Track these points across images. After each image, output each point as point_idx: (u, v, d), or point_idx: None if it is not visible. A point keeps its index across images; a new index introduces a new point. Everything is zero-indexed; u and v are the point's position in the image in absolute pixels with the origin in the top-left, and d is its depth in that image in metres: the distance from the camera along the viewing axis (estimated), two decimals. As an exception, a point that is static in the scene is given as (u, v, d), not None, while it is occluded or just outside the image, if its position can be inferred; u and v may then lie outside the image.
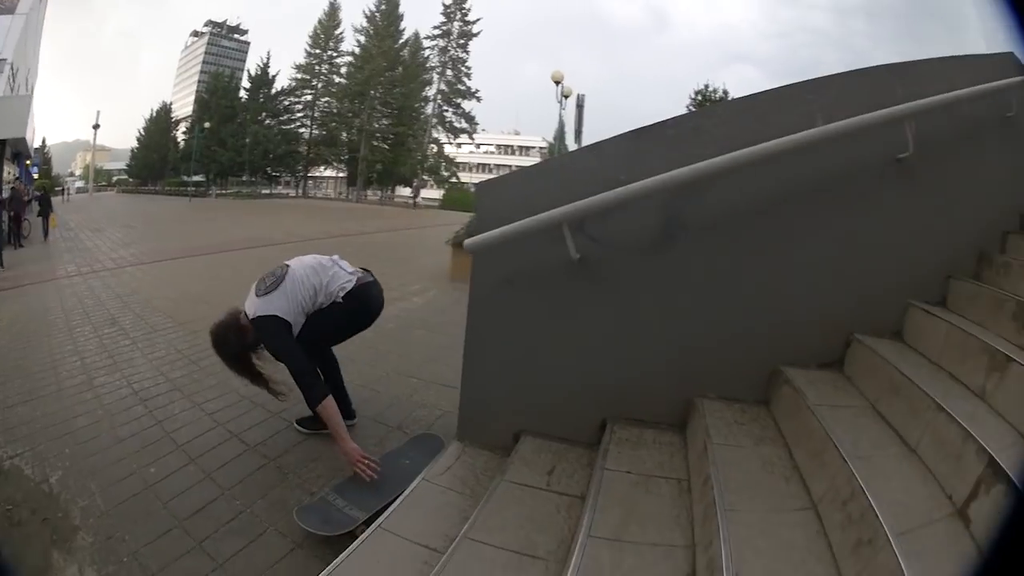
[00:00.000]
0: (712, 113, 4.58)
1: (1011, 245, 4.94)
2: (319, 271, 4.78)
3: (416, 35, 59.95)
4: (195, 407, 5.68)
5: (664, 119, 4.26)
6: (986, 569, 1.87)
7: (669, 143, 4.12)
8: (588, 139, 37.32)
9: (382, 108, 57.77)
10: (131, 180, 62.92)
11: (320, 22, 60.76)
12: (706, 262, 4.19)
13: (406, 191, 58.45)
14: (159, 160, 60.38)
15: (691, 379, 4.19)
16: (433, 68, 59.90)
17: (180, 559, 3.57)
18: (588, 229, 4.02)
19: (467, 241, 4.11)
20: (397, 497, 3.76)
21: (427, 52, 59.93)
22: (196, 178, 56.53)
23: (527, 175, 4.74)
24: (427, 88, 60.13)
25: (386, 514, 3.52)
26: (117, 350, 7.53)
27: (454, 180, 60.04)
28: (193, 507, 4.06)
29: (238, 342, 4.65)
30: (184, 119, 61.93)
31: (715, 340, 4.20)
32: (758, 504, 3.02)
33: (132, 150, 64.27)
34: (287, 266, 4.75)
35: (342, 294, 4.73)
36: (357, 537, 3.41)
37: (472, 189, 57.69)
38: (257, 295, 4.57)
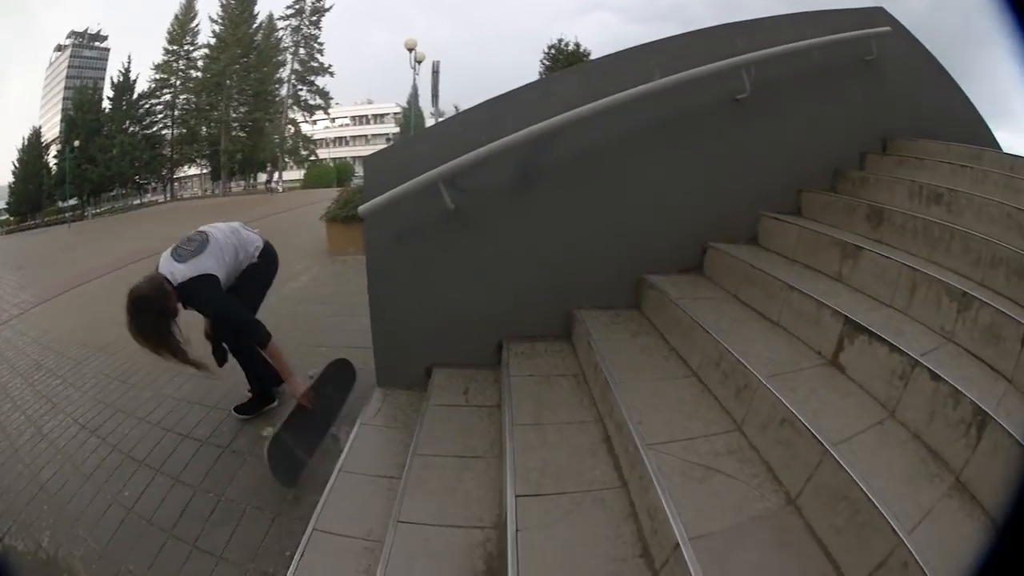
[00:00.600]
0: (561, 77, 5.36)
1: (869, 163, 6.19)
2: (234, 233, 5.11)
3: (270, 17, 58.67)
4: (141, 422, 5.92)
5: (518, 86, 5.07)
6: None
7: (523, 106, 4.86)
8: (444, 100, 37.92)
9: (238, 96, 56.43)
10: (12, 219, 59.97)
11: (177, 17, 58.98)
12: (563, 198, 5.04)
13: (266, 176, 57.58)
14: (35, 191, 57.72)
15: (568, 295, 5.08)
16: (286, 48, 58.82)
17: (184, 566, 3.93)
18: (459, 183, 4.72)
19: (361, 208, 4.77)
20: (343, 443, 4.43)
21: (280, 33, 58.91)
22: (71, 202, 54.52)
23: (406, 144, 5.46)
24: (281, 70, 59.02)
25: (341, 459, 4.09)
26: (52, 392, 7.56)
27: (313, 159, 59.48)
28: (175, 514, 4.40)
29: (161, 308, 4.57)
30: (54, 141, 59.20)
31: (583, 260, 5.10)
32: (645, 377, 3.91)
33: (9, 186, 61.33)
34: (204, 232, 4.95)
35: (257, 253, 5.17)
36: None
37: (331, 164, 55.98)
38: (180, 261, 4.66)
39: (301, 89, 59.34)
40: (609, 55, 5.28)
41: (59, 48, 62.17)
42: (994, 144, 7.17)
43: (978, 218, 4.56)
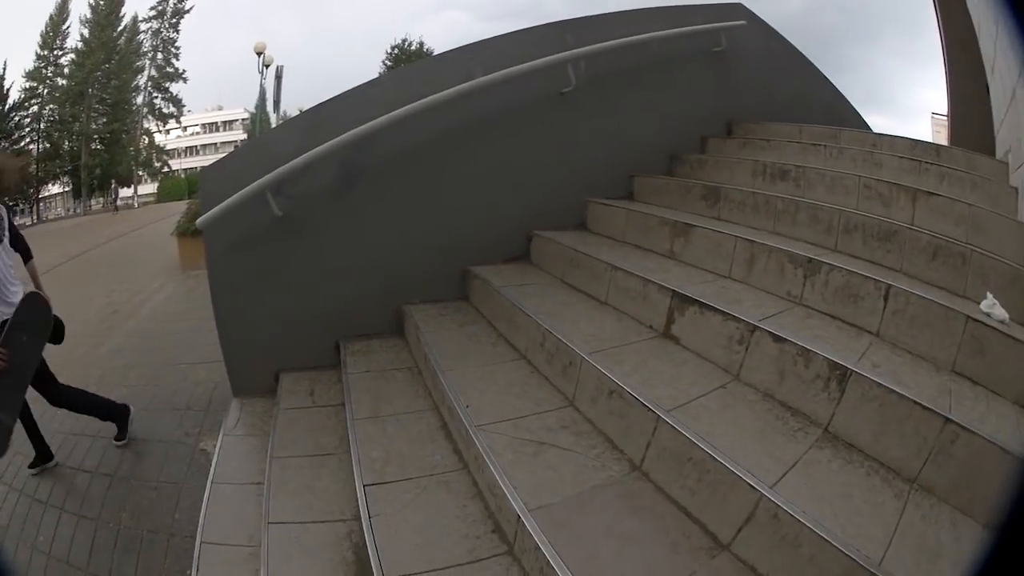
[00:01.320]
0: (380, 81, 5.69)
1: (710, 147, 6.75)
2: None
3: (135, 18, 56.98)
4: (26, 460, 5.75)
5: (339, 92, 5.42)
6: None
7: (343, 112, 5.19)
8: (292, 103, 37.89)
9: (99, 106, 54.92)
10: None
11: (51, 17, 56.61)
12: (386, 198, 5.42)
13: (126, 191, 56.21)
14: None
15: (397, 292, 5.48)
16: (145, 53, 57.43)
17: None
18: (286, 190, 5.00)
19: (199, 220, 5.02)
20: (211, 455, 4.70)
21: (141, 36, 57.44)
22: None
23: (238, 155, 5.74)
24: (139, 76, 57.68)
25: (211, 471, 4.34)
26: None
27: (166, 170, 58.33)
28: (86, 550, 4.50)
29: None
30: None
31: (409, 257, 5.49)
32: (472, 363, 4.28)
33: None
34: None
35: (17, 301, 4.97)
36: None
37: (182, 176, 54.79)
38: None
39: (156, 97, 57.56)
40: (430, 57, 5.74)
41: None
42: (862, 126, 7.93)
43: (831, 191, 5.06)
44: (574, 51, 5.69)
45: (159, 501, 4.77)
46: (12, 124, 54.25)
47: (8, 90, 54.61)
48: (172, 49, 57.51)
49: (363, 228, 5.39)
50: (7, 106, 54.32)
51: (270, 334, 5.28)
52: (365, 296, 5.43)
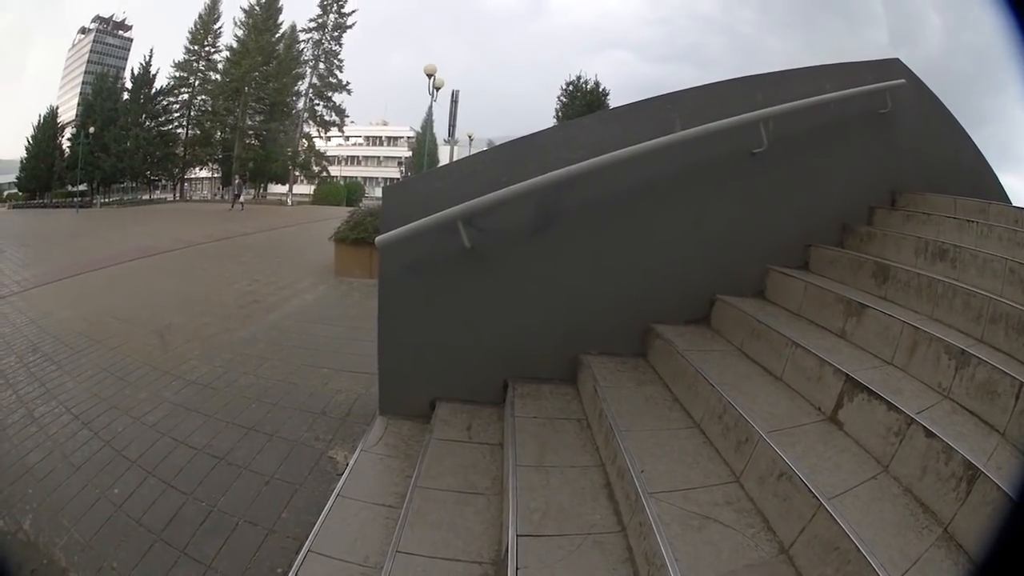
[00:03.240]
0: (580, 124, 5.34)
1: (877, 218, 6.25)
2: None
3: (293, 27, 58.12)
4: (135, 422, 5.94)
5: (537, 130, 5.20)
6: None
7: (543, 150, 4.99)
8: (459, 128, 38.11)
9: (255, 104, 55.92)
10: (21, 194, 59.22)
11: (200, 16, 58.19)
12: (579, 244, 5.14)
13: (280, 188, 57.20)
14: (46, 170, 56.80)
15: (575, 340, 5.15)
16: (306, 61, 58.43)
17: (171, 570, 3.90)
18: (476, 222, 4.77)
19: (378, 239, 4.81)
20: (341, 467, 4.58)
21: (302, 45, 58.53)
22: (81, 187, 53.97)
23: (425, 179, 5.52)
24: (300, 82, 58.60)
25: (340, 483, 4.16)
26: (47, 377, 7.53)
27: (324, 175, 59.15)
28: (166, 517, 4.39)
29: None
30: (70, 124, 58.08)
31: (592, 306, 5.20)
32: (648, 426, 3.95)
33: (21, 160, 60.29)
34: None
35: None
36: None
37: (341, 183, 55.59)
38: None
39: (318, 104, 58.73)
40: (629, 104, 5.36)
41: (83, 31, 61.14)
42: (1000, 192, 7.42)
43: (981, 274, 4.65)
44: (768, 109, 5.35)
45: (268, 496, 4.62)
46: (160, 107, 56.11)
47: (154, 76, 56.74)
48: (335, 61, 58.80)
49: (550, 271, 5.15)
50: (154, 90, 56.36)
51: (434, 360, 5.11)
52: (542, 340, 5.16)
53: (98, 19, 60.93)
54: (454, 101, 35.00)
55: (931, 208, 6.12)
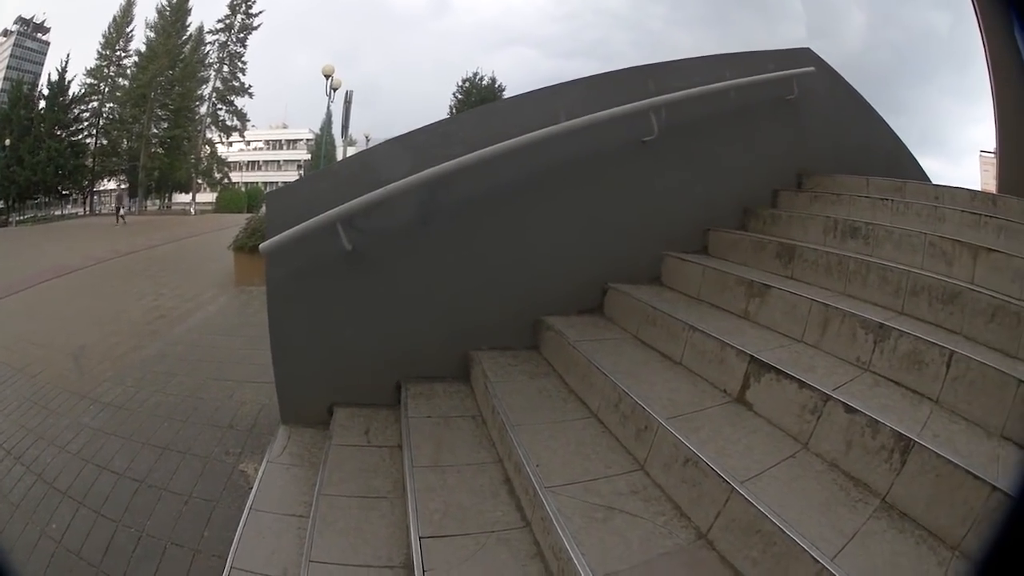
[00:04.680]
0: (461, 119, 5.44)
1: (782, 200, 6.47)
2: None
3: (200, 29, 57.14)
4: (61, 451, 5.98)
5: (416, 128, 5.20)
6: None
7: (422, 148, 4.96)
8: (358, 129, 37.92)
9: (160, 111, 54.98)
10: None
11: (114, 18, 56.83)
12: (461, 239, 5.18)
13: (183, 198, 56.33)
14: None
15: (465, 336, 5.20)
16: (211, 65, 57.47)
17: None
18: (357, 223, 4.76)
19: (261, 246, 4.79)
20: (252, 479, 4.57)
21: (207, 48, 57.52)
22: None
23: (308, 182, 5.55)
24: (203, 87, 57.62)
25: (251, 496, 4.15)
26: None
27: (226, 182, 58.36)
28: (101, 548, 4.48)
29: None
30: None
31: (480, 301, 5.24)
32: (542, 419, 4.02)
33: None
34: None
35: None
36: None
37: (243, 189, 54.74)
38: None
39: (220, 108, 57.49)
40: (511, 97, 5.47)
41: (5, 33, 59.39)
42: (920, 174, 7.63)
43: (899, 249, 4.86)
44: (659, 98, 5.45)
45: (189, 516, 4.72)
46: (71, 116, 54.65)
47: (69, 83, 55.19)
48: (239, 63, 57.32)
49: (434, 269, 5.17)
50: (69, 98, 54.93)
51: (327, 366, 5.06)
52: (431, 338, 5.18)
53: (20, 20, 58.76)
54: (347, 102, 34.92)
55: (841, 188, 6.32)
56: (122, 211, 43.24)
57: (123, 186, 56.69)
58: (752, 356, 3.81)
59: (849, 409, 3.15)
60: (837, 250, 4.98)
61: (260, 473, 4.52)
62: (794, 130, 6.81)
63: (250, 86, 57.57)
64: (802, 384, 3.45)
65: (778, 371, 3.62)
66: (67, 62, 55.07)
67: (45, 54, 57.43)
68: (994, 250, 4.40)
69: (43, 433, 6.46)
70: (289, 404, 5.14)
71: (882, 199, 5.80)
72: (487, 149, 4.85)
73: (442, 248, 5.15)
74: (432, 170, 4.73)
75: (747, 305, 4.76)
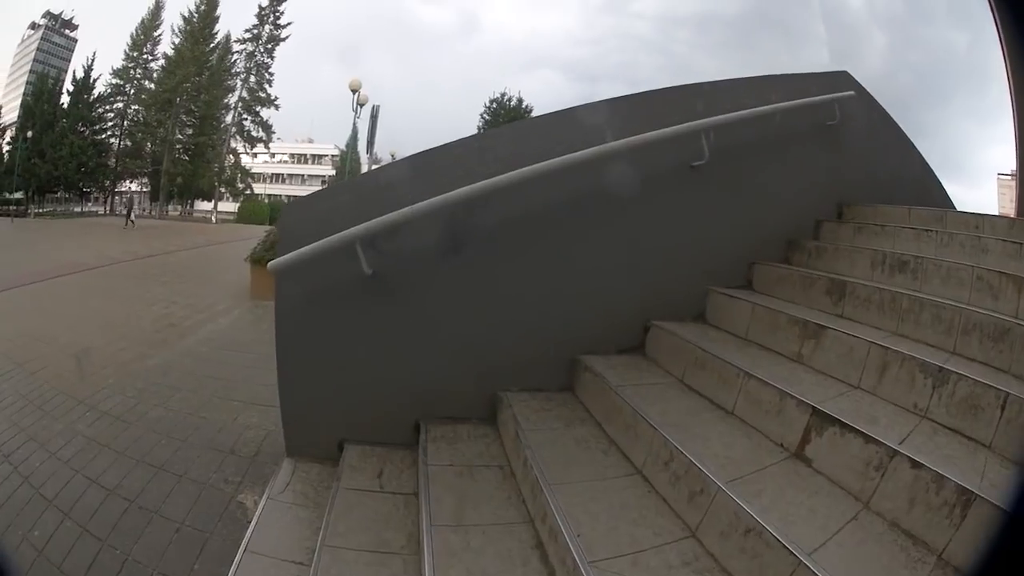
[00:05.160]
0: (498, 134, 4.97)
1: (825, 232, 5.99)
2: None
3: (228, 37, 56.94)
4: (52, 457, 5.64)
5: (450, 141, 4.72)
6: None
7: (455, 164, 4.54)
8: (384, 146, 37.61)
9: (186, 117, 54.85)
10: None
11: (143, 21, 56.52)
12: (495, 268, 4.70)
13: (206, 205, 56.15)
14: None
15: (493, 375, 4.67)
16: (238, 74, 57.24)
17: None
18: (379, 245, 4.31)
19: (271, 264, 4.33)
20: (250, 514, 4.14)
21: (234, 57, 57.23)
22: (16, 195, 51.91)
23: (327, 195, 5.12)
24: (229, 95, 57.38)
25: (247, 536, 3.71)
26: None
27: (249, 192, 58.15)
28: (84, 565, 4.14)
29: None
30: (10, 126, 55.63)
31: (510, 337, 4.74)
32: (581, 476, 3.50)
33: None
34: None
35: None
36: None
37: (265, 201, 54.70)
38: None
39: (246, 118, 57.48)
40: (553, 113, 5.02)
41: (33, 26, 59.15)
42: (947, 200, 7.33)
43: (947, 284, 4.48)
44: (711, 119, 5.01)
45: (180, 545, 4.32)
46: (95, 115, 54.38)
47: (95, 81, 55.08)
48: (266, 74, 57.81)
49: (461, 300, 4.67)
50: (93, 96, 54.67)
51: (339, 399, 4.56)
52: (456, 375, 4.64)
53: (48, 15, 58.60)
54: (373, 117, 34.79)
55: (884, 219, 5.95)
56: (132, 215, 41.95)
57: (144, 189, 57.01)
58: (815, 407, 3.35)
59: (915, 464, 2.79)
60: (889, 286, 4.58)
61: (259, 509, 4.06)
62: (835, 157, 6.35)
63: (276, 98, 57.96)
64: (867, 438, 3.04)
65: (842, 424, 3.18)
66: (93, 60, 55.47)
67: (72, 51, 57.80)
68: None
69: (36, 434, 6.11)
70: (295, 436, 4.67)
71: (926, 230, 5.44)
72: (527, 168, 4.38)
73: (471, 277, 4.66)
74: (465, 189, 4.26)
75: (800, 347, 4.28)
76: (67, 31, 59.28)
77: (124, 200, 50.68)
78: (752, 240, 5.64)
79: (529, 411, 4.33)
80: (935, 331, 3.99)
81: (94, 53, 56.09)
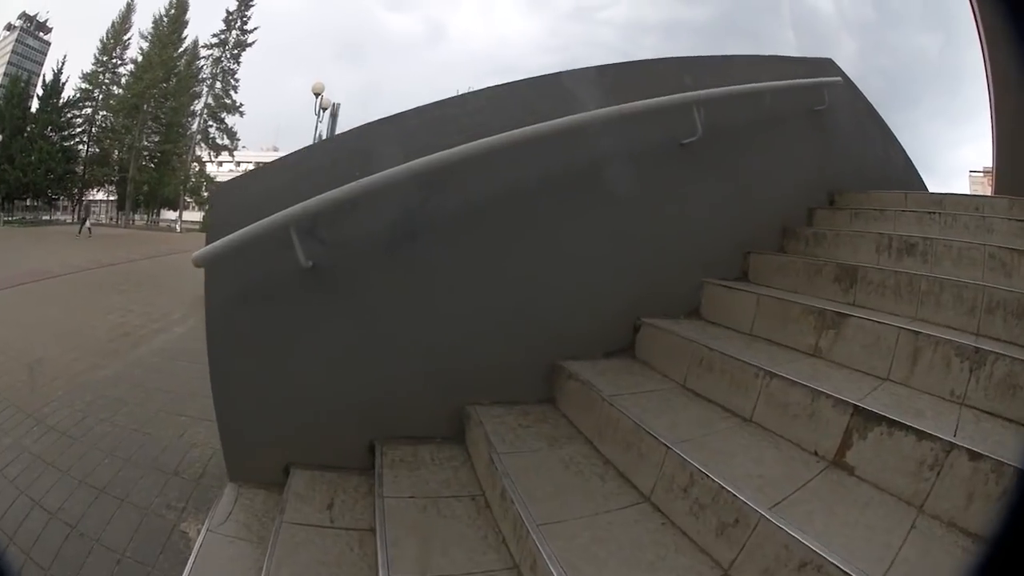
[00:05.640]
0: (463, 101, 4.19)
1: (819, 219, 5.62)
2: None
3: (195, 43, 56.39)
4: None
5: (409, 108, 4.02)
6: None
7: (413, 136, 3.86)
8: None
9: (153, 123, 54.29)
10: None
11: (113, 24, 55.54)
12: (457, 260, 4.00)
13: (171, 214, 55.55)
14: None
15: (460, 385, 3.94)
16: (204, 80, 56.71)
17: None
18: (320, 234, 3.66)
19: (195, 255, 3.60)
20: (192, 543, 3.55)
21: (201, 62, 56.61)
22: None
23: (261, 175, 4.47)
24: (196, 102, 56.80)
25: (186, 573, 3.12)
26: None
27: None
28: None
29: None
30: None
31: (479, 342, 4.02)
32: (576, 510, 2.75)
33: None
34: None
35: None
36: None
37: None
38: None
39: (211, 126, 56.84)
40: (529, 79, 4.35)
41: (9, 27, 58.18)
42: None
43: (958, 264, 4.18)
44: (702, 92, 4.52)
45: None
46: (64, 120, 53.25)
47: (64, 85, 53.91)
48: (232, 80, 57.09)
49: (421, 297, 3.92)
50: (62, 100, 53.52)
51: (282, 415, 3.80)
52: (417, 387, 3.87)
53: (23, 16, 57.52)
54: (333, 115, 33.69)
55: (881, 204, 5.64)
56: (88, 223, 40.76)
57: (112, 198, 56.11)
58: (856, 406, 2.78)
59: (974, 456, 2.35)
60: (904, 270, 4.17)
61: (198, 544, 3.39)
62: (823, 144, 6.02)
63: (241, 105, 56.97)
64: (921, 435, 2.52)
65: (890, 422, 2.65)
66: (63, 63, 54.16)
67: (45, 54, 56.55)
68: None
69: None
70: (236, 459, 3.93)
71: (928, 213, 5.16)
72: (495, 138, 3.70)
73: (430, 270, 3.93)
74: (420, 161, 3.56)
75: (818, 340, 3.75)
76: (41, 34, 58.23)
77: (81, 207, 49.73)
78: (747, 227, 5.12)
79: (504, 428, 3.59)
80: (957, 313, 3.60)
81: (64, 56, 55.00)
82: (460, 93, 4.26)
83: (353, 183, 3.48)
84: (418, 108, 4.02)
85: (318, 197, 3.45)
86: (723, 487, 2.51)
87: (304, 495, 3.49)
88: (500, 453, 3.20)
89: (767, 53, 6.27)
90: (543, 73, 4.40)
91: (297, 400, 3.78)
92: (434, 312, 3.92)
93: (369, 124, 4.01)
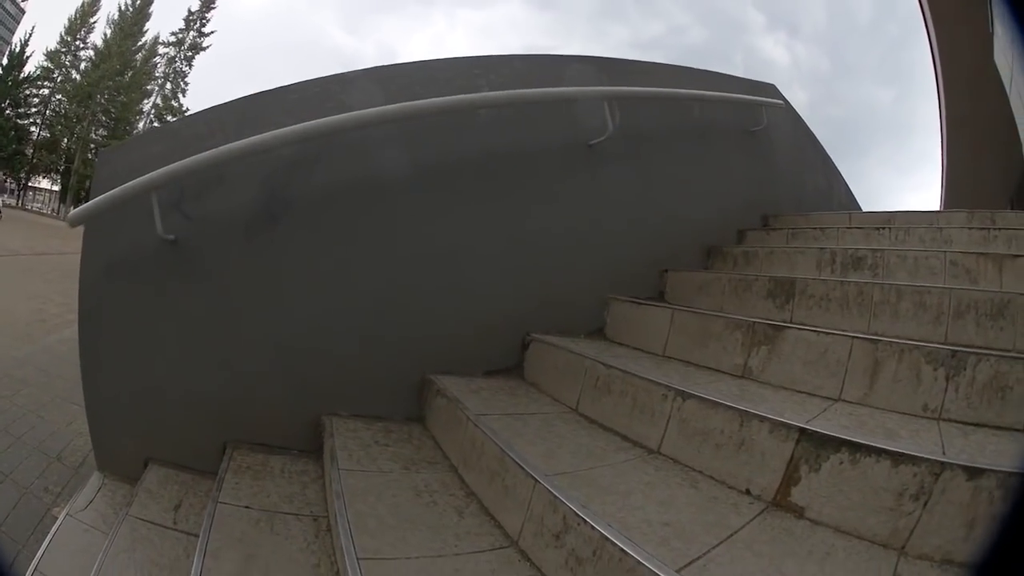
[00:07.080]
0: (351, 79, 3.82)
1: (751, 239, 5.44)
2: None
3: (156, 39, 55.42)
4: None
5: (294, 82, 3.72)
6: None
7: (293, 109, 3.50)
8: None
9: (103, 116, 53.50)
10: None
11: (83, 4, 54.35)
12: (318, 251, 3.62)
13: None
14: None
15: (317, 393, 3.55)
16: (156, 79, 56.03)
17: None
18: (184, 207, 3.32)
19: (70, 215, 3.28)
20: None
21: (157, 59, 55.83)
22: None
23: (139, 142, 4.28)
24: (145, 100, 56.11)
25: (38, 556, 2.96)
26: None
27: None
28: None
29: None
30: None
31: (338, 345, 3.62)
32: (415, 547, 2.27)
33: None
34: None
35: None
36: None
37: None
38: None
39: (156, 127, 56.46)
40: (418, 62, 4.07)
41: None
42: None
43: (915, 274, 4.05)
44: (615, 88, 4.37)
45: None
46: (21, 96, 51.76)
47: (27, 58, 52.71)
48: (182, 84, 56.82)
49: (278, 290, 3.53)
50: (22, 76, 52.07)
51: (143, 404, 3.44)
52: (274, 390, 3.48)
53: None
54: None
55: (824, 224, 5.56)
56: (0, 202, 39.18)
57: (55, 187, 55.05)
58: (804, 429, 2.23)
59: (974, 474, 1.89)
60: (849, 281, 3.90)
61: (55, 528, 3.23)
62: (759, 167, 5.87)
63: (187, 109, 56.87)
64: (898, 458, 2.01)
65: (853, 446, 2.11)
66: (30, 35, 53.30)
67: (19, 22, 55.49)
68: (1020, 256, 3.79)
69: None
70: (103, 448, 3.59)
71: (877, 228, 5.14)
72: (372, 111, 3.41)
73: (292, 258, 3.56)
74: (289, 129, 3.23)
75: (747, 359, 3.32)
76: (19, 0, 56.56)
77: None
78: (666, 244, 4.85)
79: (355, 444, 3.20)
80: (920, 322, 3.35)
81: (32, 27, 53.84)
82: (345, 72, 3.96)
83: (213, 150, 3.14)
84: (301, 82, 3.70)
85: (181, 162, 3.12)
86: (606, 538, 1.92)
87: (154, 492, 3.22)
88: (341, 470, 2.83)
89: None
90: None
91: (156, 391, 3.43)
92: (291, 308, 3.55)
93: (249, 96, 3.65)
